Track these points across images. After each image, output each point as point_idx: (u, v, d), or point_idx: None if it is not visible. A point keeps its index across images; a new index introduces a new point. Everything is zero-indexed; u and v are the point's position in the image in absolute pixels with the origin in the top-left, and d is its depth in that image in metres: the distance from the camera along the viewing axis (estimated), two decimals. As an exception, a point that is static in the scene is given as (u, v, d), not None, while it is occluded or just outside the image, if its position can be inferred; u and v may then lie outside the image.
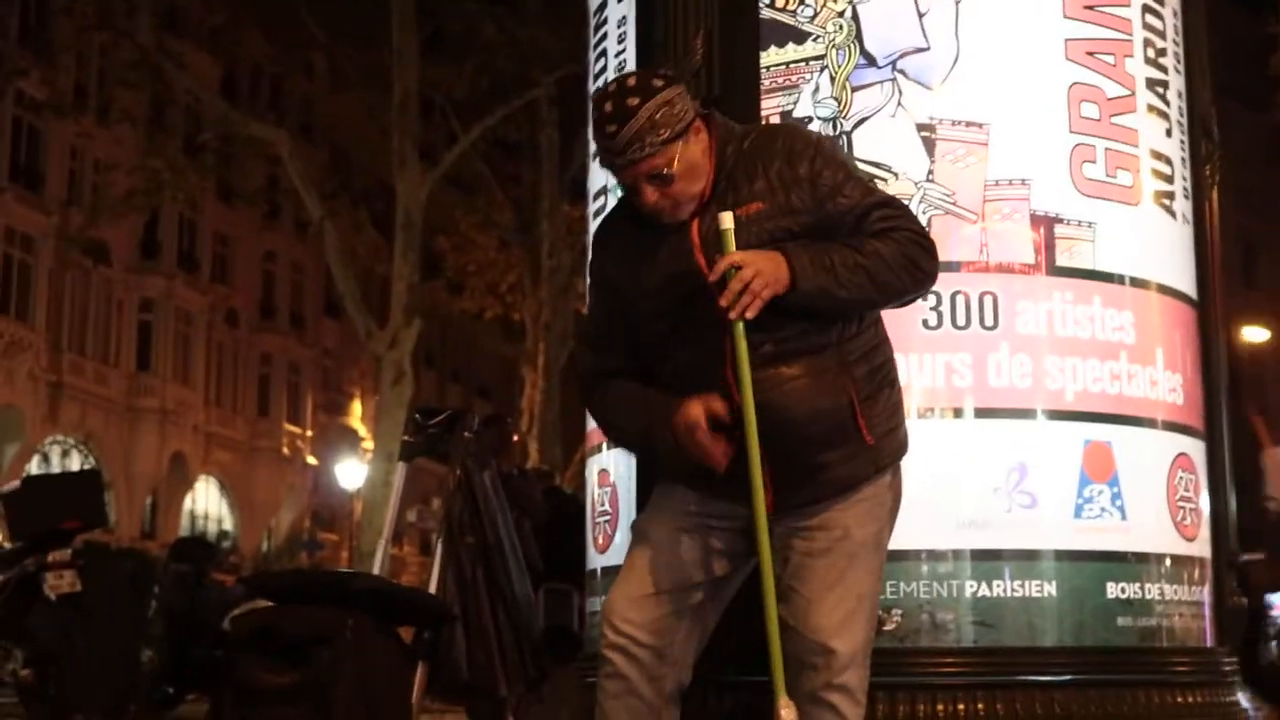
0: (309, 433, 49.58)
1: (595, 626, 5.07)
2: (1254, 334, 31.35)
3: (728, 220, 3.34)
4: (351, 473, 34.93)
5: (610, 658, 3.57)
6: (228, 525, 46.17)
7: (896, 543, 3.92)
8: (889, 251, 3.40)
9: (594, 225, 5.27)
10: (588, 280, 3.88)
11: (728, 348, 3.34)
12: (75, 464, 38.06)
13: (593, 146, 5.28)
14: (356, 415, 48.77)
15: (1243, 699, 5.01)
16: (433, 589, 5.56)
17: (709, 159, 3.49)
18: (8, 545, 12.54)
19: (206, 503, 46.34)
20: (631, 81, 3.52)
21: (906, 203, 3.85)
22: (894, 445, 3.62)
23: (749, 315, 3.27)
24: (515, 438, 8.63)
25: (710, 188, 3.48)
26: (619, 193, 4.94)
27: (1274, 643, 23.98)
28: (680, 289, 3.46)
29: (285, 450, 48.58)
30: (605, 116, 3.42)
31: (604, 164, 3.54)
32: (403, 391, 19.13)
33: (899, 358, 3.94)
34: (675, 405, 3.41)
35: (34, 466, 36.18)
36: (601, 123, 3.43)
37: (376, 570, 6.16)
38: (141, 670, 12.03)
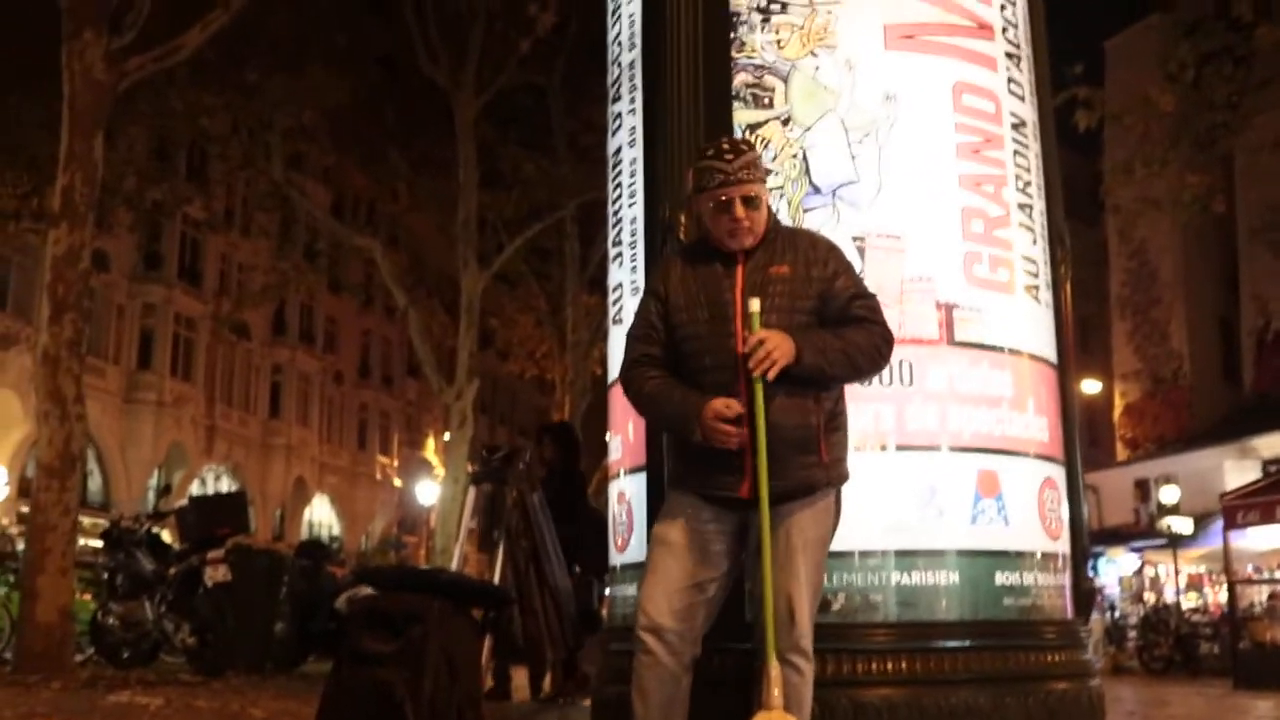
0: (395, 462, 49.53)
1: (618, 607, 5.03)
2: (1089, 385, 31.55)
3: (755, 305, 3.45)
4: (427, 491, 34.82)
5: (643, 638, 3.52)
6: (336, 530, 46.03)
7: (840, 545, 3.88)
8: (864, 342, 3.54)
9: (611, 310, 5.27)
10: (643, 294, 3.84)
11: (743, 380, 3.42)
12: (225, 486, 38.01)
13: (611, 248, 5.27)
14: (431, 449, 48.62)
15: (1091, 656, 4.96)
16: (496, 581, 5.52)
17: (765, 219, 3.63)
18: (178, 546, 12.53)
19: (320, 513, 46.22)
20: (738, 136, 3.89)
21: None
22: (840, 470, 3.65)
23: (770, 376, 3.38)
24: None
25: (760, 240, 3.59)
26: (633, 287, 4.95)
27: (1102, 613, 23.48)
28: (718, 311, 3.55)
29: (378, 475, 48.56)
30: (722, 150, 3.56)
31: (706, 185, 3.54)
32: (465, 432, 19.05)
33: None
34: (704, 401, 3.44)
35: (195, 488, 36.12)
36: (719, 153, 3.54)
37: (454, 566, 6.11)
38: (275, 638, 11.93)
